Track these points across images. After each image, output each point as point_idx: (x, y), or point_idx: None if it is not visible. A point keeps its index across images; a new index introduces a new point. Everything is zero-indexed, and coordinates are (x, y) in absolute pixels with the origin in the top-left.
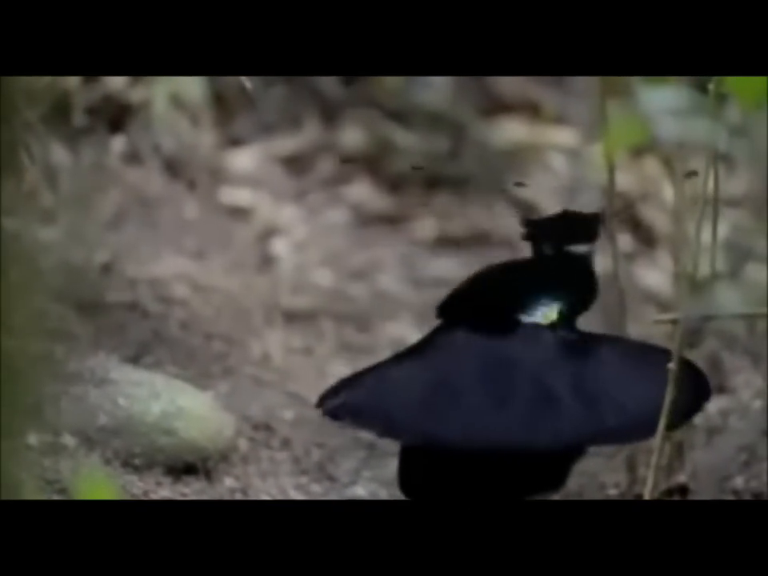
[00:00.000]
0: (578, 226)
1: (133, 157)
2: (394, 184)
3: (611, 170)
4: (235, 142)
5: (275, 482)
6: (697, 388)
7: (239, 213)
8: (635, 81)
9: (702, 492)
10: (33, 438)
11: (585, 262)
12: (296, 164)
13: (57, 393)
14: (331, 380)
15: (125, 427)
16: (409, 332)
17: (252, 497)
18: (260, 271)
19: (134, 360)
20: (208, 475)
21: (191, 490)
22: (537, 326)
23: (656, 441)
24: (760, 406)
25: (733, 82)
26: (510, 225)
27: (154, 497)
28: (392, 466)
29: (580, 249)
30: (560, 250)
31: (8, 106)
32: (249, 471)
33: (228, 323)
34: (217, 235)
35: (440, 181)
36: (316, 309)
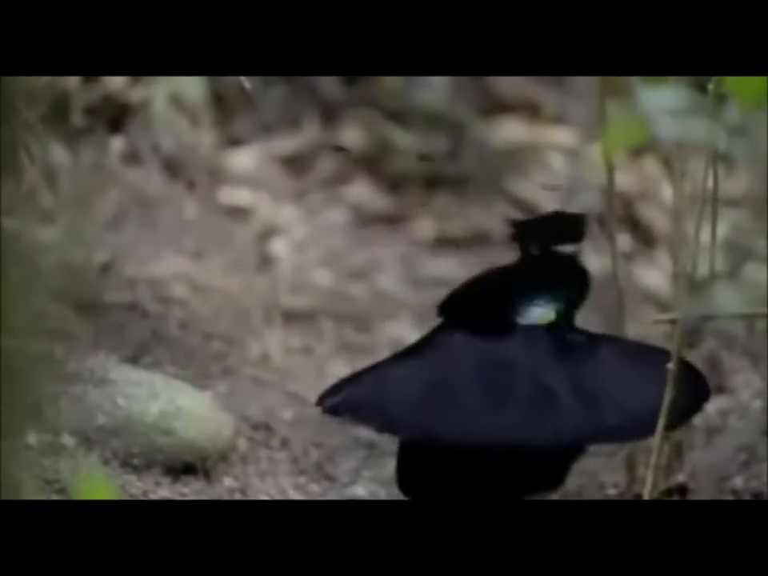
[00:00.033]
0: (565, 226)
1: (132, 157)
2: (393, 184)
3: (610, 169)
4: (235, 141)
5: (274, 481)
6: (696, 388)
7: (238, 213)
8: (635, 81)
9: (702, 492)
10: (32, 438)
11: (574, 261)
12: (296, 164)
13: (56, 393)
14: (331, 380)
15: (124, 427)
16: (408, 332)
17: (251, 497)
18: (259, 271)
19: (133, 360)
20: (207, 475)
21: (190, 489)
22: (537, 326)
23: (655, 441)
24: (759, 406)
25: (732, 82)
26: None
27: (153, 497)
28: (391, 466)
29: (567, 249)
30: (547, 250)
31: (8, 106)
32: (248, 471)
33: (227, 323)
34: (216, 235)
35: (440, 181)
36: (315, 309)
